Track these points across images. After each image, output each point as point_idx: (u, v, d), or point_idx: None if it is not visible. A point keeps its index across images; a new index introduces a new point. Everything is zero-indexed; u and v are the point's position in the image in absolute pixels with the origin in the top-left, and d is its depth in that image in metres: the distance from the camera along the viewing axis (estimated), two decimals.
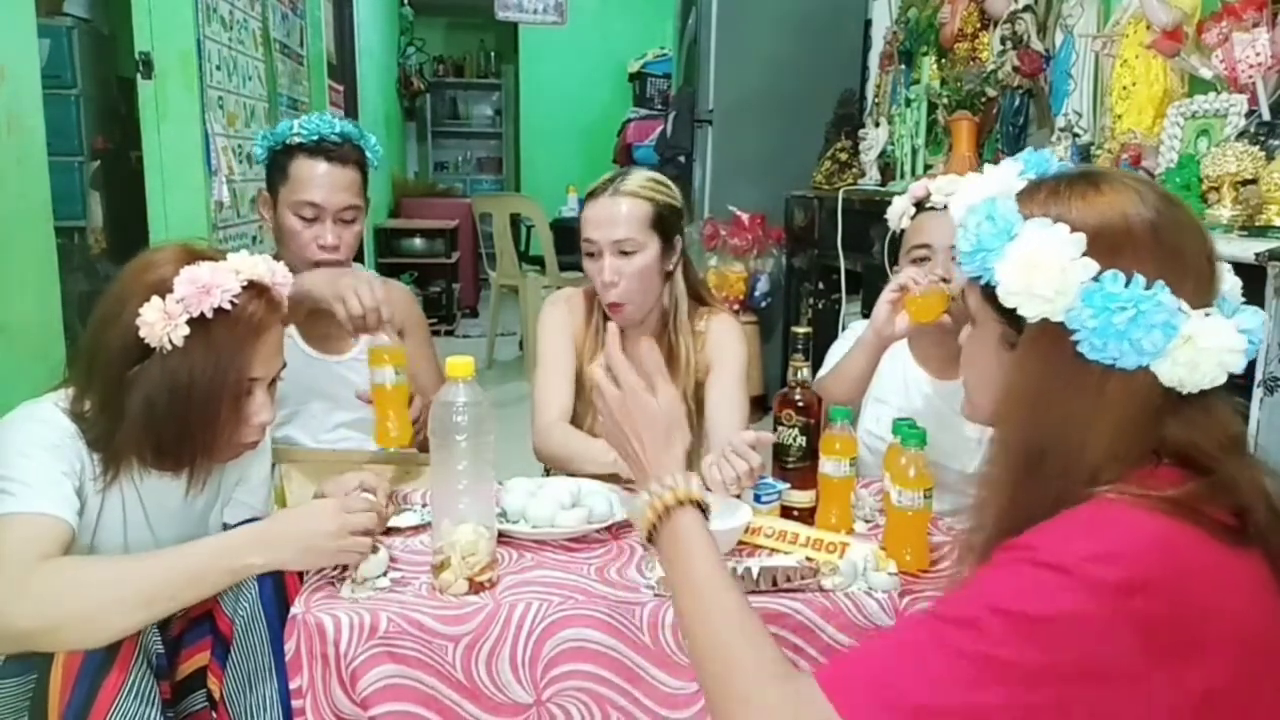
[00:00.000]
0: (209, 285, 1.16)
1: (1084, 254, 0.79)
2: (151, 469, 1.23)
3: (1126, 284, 0.77)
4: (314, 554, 1.17)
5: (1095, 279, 0.78)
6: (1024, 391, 0.83)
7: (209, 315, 1.16)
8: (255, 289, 1.21)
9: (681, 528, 0.92)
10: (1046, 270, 0.79)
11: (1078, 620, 0.69)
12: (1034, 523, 0.78)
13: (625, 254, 1.65)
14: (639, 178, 1.70)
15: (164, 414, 1.17)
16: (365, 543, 1.18)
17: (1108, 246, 0.79)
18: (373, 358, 1.40)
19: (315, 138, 1.73)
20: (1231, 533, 0.75)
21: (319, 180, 1.73)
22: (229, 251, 1.24)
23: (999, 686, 0.69)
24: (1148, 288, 0.77)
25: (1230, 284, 0.84)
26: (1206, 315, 0.78)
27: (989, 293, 0.85)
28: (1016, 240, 0.82)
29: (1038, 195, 0.85)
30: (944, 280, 1.58)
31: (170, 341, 1.14)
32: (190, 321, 1.15)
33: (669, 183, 1.74)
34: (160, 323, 1.14)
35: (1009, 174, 0.89)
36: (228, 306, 1.17)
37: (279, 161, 1.76)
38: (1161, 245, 0.79)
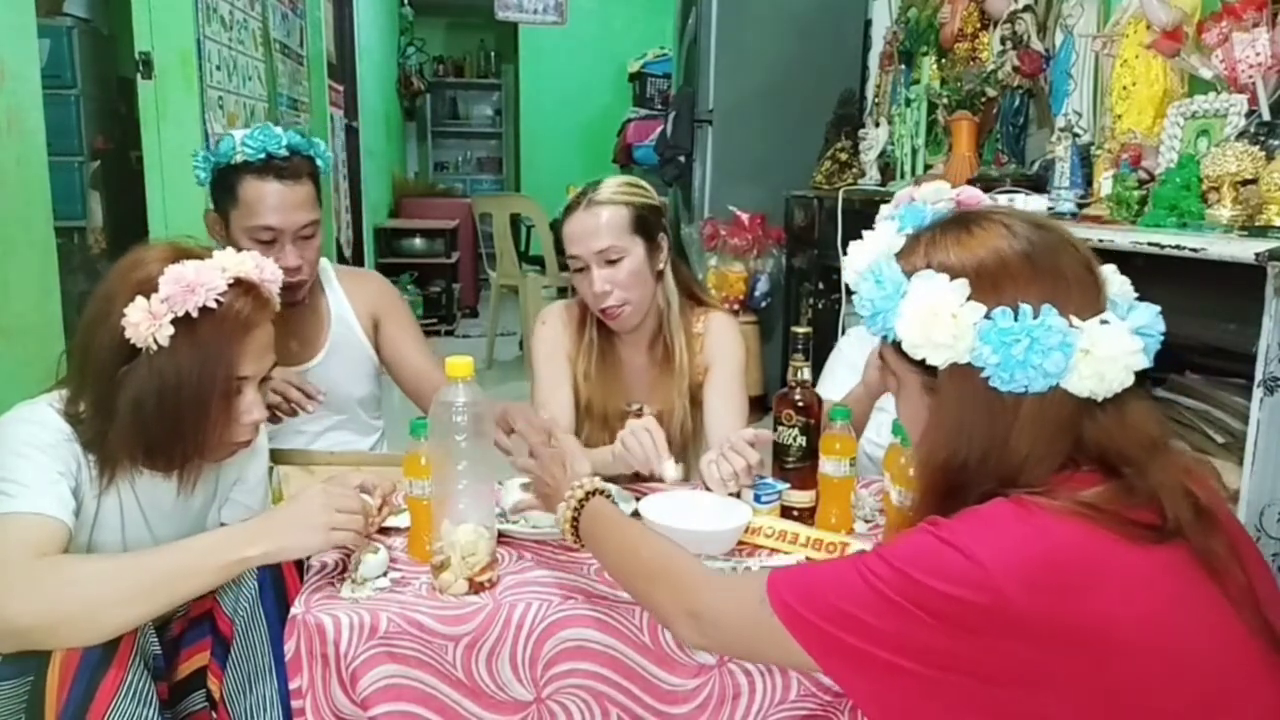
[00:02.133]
0: (194, 284, 1.14)
1: (969, 297, 0.84)
2: (144, 469, 1.22)
3: (1015, 316, 0.82)
4: (306, 533, 1.14)
5: (987, 317, 0.82)
6: (943, 424, 0.88)
7: (194, 314, 1.14)
8: (242, 286, 1.20)
9: (595, 507, 1.12)
10: (940, 319, 0.84)
11: (950, 599, 0.76)
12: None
13: (611, 262, 1.63)
14: (612, 184, 1.69)
15: (153, 414, 1.16)
16: (355, 519, 1.16)
17: (990, 284, 0.84)
18: (408, 467, 1.26)
19: (262, 155, 1.63)
20: (1149, 530, 0.78)
21: (273, 202, 1.64)
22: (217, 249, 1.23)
23: (889, 618, 0.79)
24: (1035, 315, 0.81)
25: (1118, 285, 0.87)
26: (1102, 323, 0.82)
27: (899, 349, 0.89)
28: (907, 297, 0.86)
29: (917, 249, 0.90)
30: None
31: (156, 341, 1.13)
32: (176, 321, 1.13)
33: (643, 183, 1.73)
34: (145, 323, 1.13)
35: (888, 233, 0.94)
36: (213, 305, 1.15)
37: (225, 182, 1.65)
38: (1039, 270, 0.84)
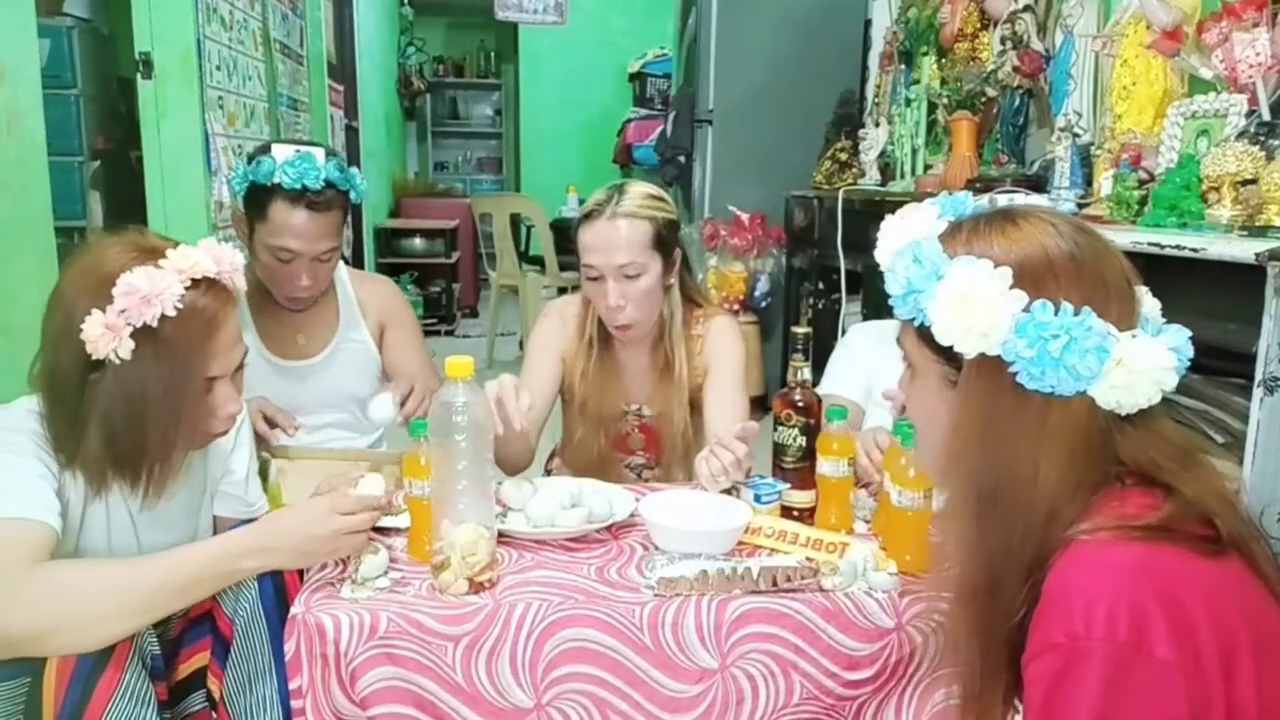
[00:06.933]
0: (149, 294, 1.09)
1: (1011, 288, 0.81)
2: (113, 484, 1.18)
3: (1056, 312, 0.79)
4: (308, 556, 1.17)
5: (1026, 310, 0.80)
6: (969, 427, 0.85)
7: (154, 324, 1.09)
8: (202, 284, 1.15)
9: None
10: (978, 305, 0.81)
11: (1130, 689, 0.71)
12: (1003, 575, 0.81)
13: (629, 277, 1.61)
14: (636, 196, 1.65)
15: (121, 426, 1.12)
16: (360, 540, 1.18)
17: (1032, 278, 0.81)
18: (408, 468, 1.27)
19: (299, 186, 1.65)
20: (1209, 543, 0.77)
21: (297, 230, 1.67)
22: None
23: None
24: (1076, 314, 0.79)
25: (1150, 305, 0.85)
26: (1134, 337, 0.80)
27: (924, 334, 0.86)
28: (945, 279, 0.83)
29: (959, 235, 0.87)
30: None
31: (118, 355, 1.09)
32: (136, 333, 1.09)
33: (665, 195, 1.71)
34: (104, 338, 1.08)
35: (928, 217, 0.91)
36: (173, 311, 1.10)
37: (257, 197, 1.68)
38: (1083, 272, 0.81)
